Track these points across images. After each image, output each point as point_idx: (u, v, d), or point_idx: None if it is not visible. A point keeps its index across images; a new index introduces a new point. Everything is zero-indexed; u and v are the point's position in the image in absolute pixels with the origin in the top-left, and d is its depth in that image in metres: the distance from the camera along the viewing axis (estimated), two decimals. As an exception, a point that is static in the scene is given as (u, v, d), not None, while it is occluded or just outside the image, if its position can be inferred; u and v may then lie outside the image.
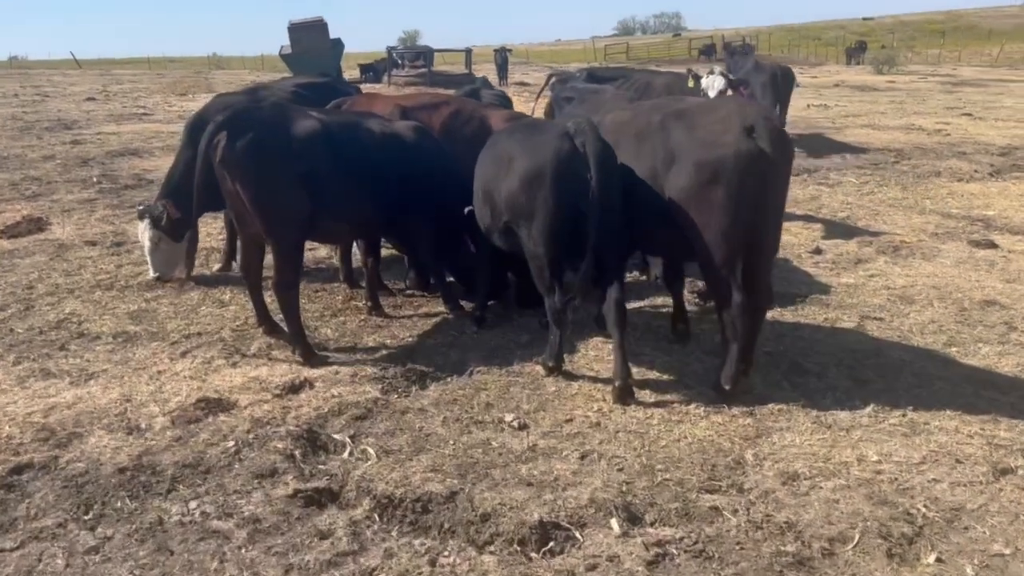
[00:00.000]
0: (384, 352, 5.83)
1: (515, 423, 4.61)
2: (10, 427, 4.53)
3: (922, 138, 17.23)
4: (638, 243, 5.48)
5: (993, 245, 8.84)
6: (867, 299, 6.98)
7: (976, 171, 13.44)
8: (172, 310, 6.74)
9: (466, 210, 5.85)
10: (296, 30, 36.80)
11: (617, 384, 4.85)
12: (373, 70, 38.38)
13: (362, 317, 6.58)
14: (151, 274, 7.46)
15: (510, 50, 37.11)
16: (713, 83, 9.85)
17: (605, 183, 4.70)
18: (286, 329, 5.76)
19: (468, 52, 34.65)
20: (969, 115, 21.55)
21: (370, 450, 4.31)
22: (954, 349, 5.83)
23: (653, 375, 5.35)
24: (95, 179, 12.33)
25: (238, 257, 8.00)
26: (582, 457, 4.22)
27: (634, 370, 5.35)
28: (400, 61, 38.58)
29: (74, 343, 5.98)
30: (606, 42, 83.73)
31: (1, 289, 7.24)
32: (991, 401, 4.90)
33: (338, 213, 5.74)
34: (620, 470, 4.07)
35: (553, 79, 11.49)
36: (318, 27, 37.08)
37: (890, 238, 9.20)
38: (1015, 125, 19.50)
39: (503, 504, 3.75)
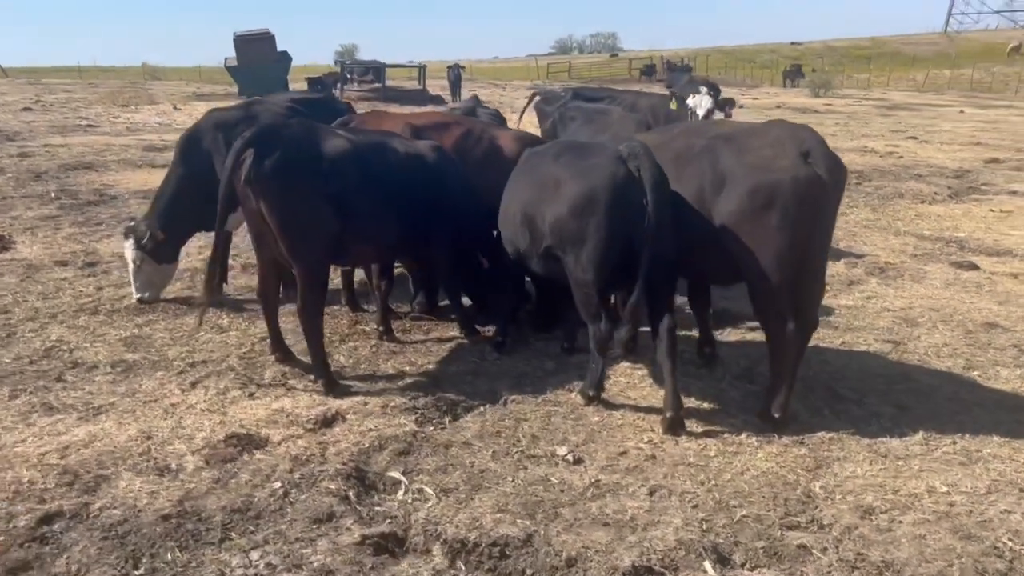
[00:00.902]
0: (407, 380, 5.59)
1: (569, 457, 4.44)
2: (27, 470, 4.16)
3: (877, 160, 17.69)
4: (680, 267, 5.38)
5: (975, 267, 9.02)
6: (873, 322, 7.02)
7: (936, 193, 13.82)
8: (168, 336, 6.38)
9: (495, 233, 5.69)
10: (242, 42, 36.13)
11: (668, 415, 4.72)
12: (322, 84, 37.74)
13: (372, 343, 6.33)
14: (134, 295, 7.08)
15: (463, 67, 36.98)
16: (700, 102, 9.89)
17: (661, 209, 4.58)
18: (308, 357, 5.47)
19: (422, 68, 34.36)
20: (915, 138, 22.25)
21: (427, 489, 4.08)
22: (975, 373, 5.87)
23: (692, 403, 5.24)
24: (53, 194, 11.74)
25: (228, 279, 7.73)
26: (651, 493, 4.06)
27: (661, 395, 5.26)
28: (350, 76, 38.08)
29: (70, 374, 5.58)
30: (548, 60, 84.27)
31: (-25, 314, 6.76)
32: (1032, 427, 4.93)
33: (365, 235, 5.50)
34: (695, 507, 3.93)
35: (537, 98, 11.43)
36: (265, 40, 36.48)
37: (874, 259, 9.33)
38: (959, 148, 20.19)
39: (587, 547, 3.57)
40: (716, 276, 5.37)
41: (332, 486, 4.04)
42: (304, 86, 38.36)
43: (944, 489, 4.14)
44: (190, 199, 7.05)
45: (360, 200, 5.31)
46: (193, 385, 5.44)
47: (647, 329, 5.11)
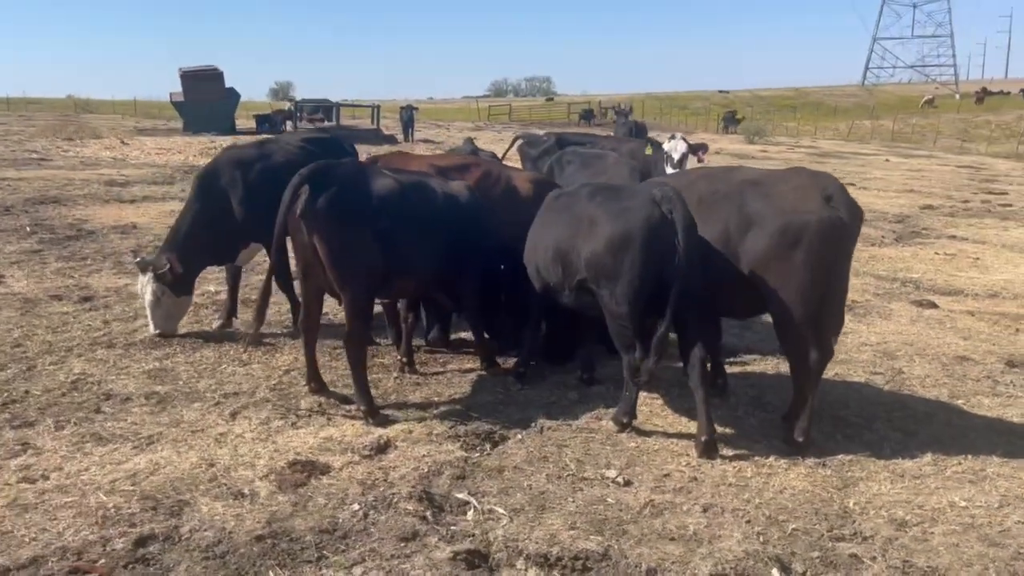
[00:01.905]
0: (440, 409, 5.82)
1: (620, 479, 4.73)
2: (105, 496, 4.25)
3: (823, 205, 18.60)
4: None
5: (934, 305, 9.68)
6: (855, 355, 7.52)
7: (883, 237, 14.69)
8: (192, 369, 6.47)
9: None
10: (189, 78, 35.89)
11: (704, 439, 5.06)
12: (270, 121, 37.71)
13: (395, 375, 6.54)
14: (151, 330, 7.14)
15: (416, 108, 37.43)
16: (676, 147, 10.48)
17: (690, 249, 4.97)
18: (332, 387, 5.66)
19: (376, 108, 34.66)
20: (853, 184, 23.40)
21: (498, 509, 4.31)
22: (960, 401, 6.39)
23: (716, 429, 5.58)
24: (28, 228, 11.61)
25: (239, 314, 7.84)
26: (704, 510, 4.38)
27: (695, 424, 5.62)
28: (299, 114, 38.12)
29: (106, 406, 5.65)
30: (488, 103, 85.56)
31: (-13, 347, 6.73)
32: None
33: (408, 269, 5.75)
34: (748, 522, 4.26)
35: (520, 142, 11.86)
36: (213, 76, 36.33)
37: (842, 298, 9.91)
38: (896, 195, 21.41)
39: (663, 559, 3.86)
40: (737, 310, 5.78)
41: (409, 507, 4.25)
42: (252, 124, 38.31)
43: (963, 504, 4.57)
44: (207, 233, 7.19)
45: (405, 236, 5.58)
46: (233, 416, 5.56)
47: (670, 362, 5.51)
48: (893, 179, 26.16)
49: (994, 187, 24.59)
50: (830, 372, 6.91)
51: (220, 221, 7.21)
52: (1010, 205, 19.78)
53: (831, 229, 4.96)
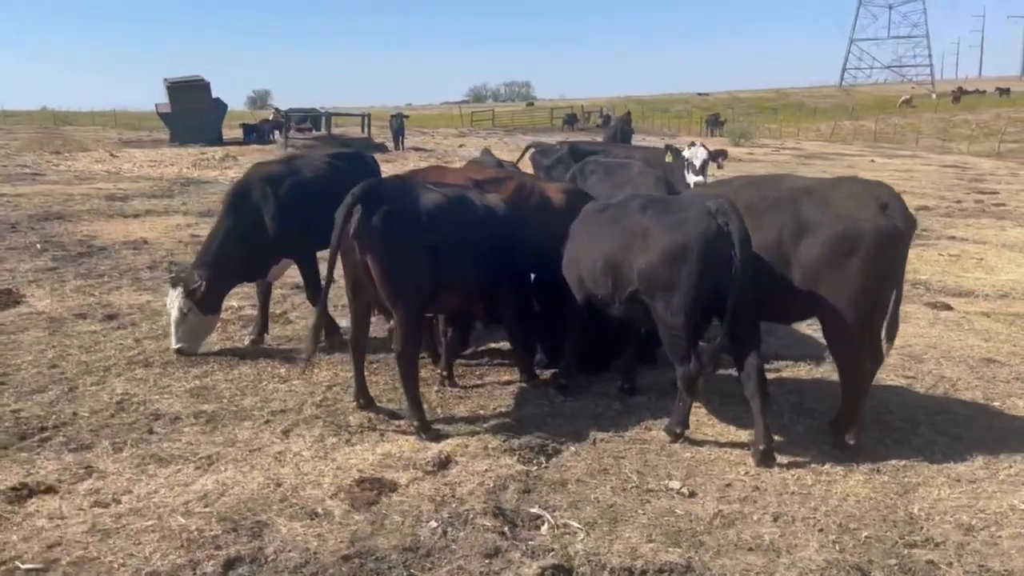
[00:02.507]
0: (490, 423, 5.84)
1: (684, 490, 4.77)
2: (184, 519, 4.24)
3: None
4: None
5: (949, 307, 9.82)
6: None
7: (885, 239, 14.83)
8: (233, 387, 6.46)
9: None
10: (176, 89, 35.70)
11: (761, 448, 5.12)
12: (257, 131, 37.58)
13: (436, 388, 6.56)
14: (173, 345, 7.11)
15: (407, 116, 37.39)
16: (696, 154, 10.57)
17: (746, 260, 5.04)
18: (405, 402, 5.68)
19: (366, 117, 34.63)
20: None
21: (573, 523, 4.35)
22: (996, 404, 6.49)
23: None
24: (39, 246, 11.52)
25: (270, 328, 7.83)
26: (774, 519, 4.44)
27: (744, 433, 5.69)
28: (287, 123, 37.97)
29: (157, 426, 5.63)
30: (472, 109, 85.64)
31: (23, 369, 6.69)
32: (1067, 450, 5.53)
33: (455, 282, 5.78)
34: (821, 531, 4.32)
35: (532, 151, 11.90)
36: (200, 87, 36.17)
37: (857, 302, 10.03)
38: (889, 196, 21.60)
39: (746, 570, 3.91)
40: (783, 316, 5.85)
41: (486, 523, 4.28)
42: (239, 133, 38.15)
43: (1023, 507, 4.66)
44: (238, 250, 7.19)
45: (453, 250, 5.61)
46: (286, 433, 5.56)
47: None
48: (884, 180, 26.37)
49: (984, 187, 24.95)
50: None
51: (252, 237, 7.21)
52: (1004, 204, 20.07)
53: (887, 237, 5.05)
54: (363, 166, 8.50)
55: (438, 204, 5.59)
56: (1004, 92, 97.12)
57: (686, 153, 10.47)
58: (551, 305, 6.74)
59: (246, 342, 7.61)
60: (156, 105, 38.76)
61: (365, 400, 6.01)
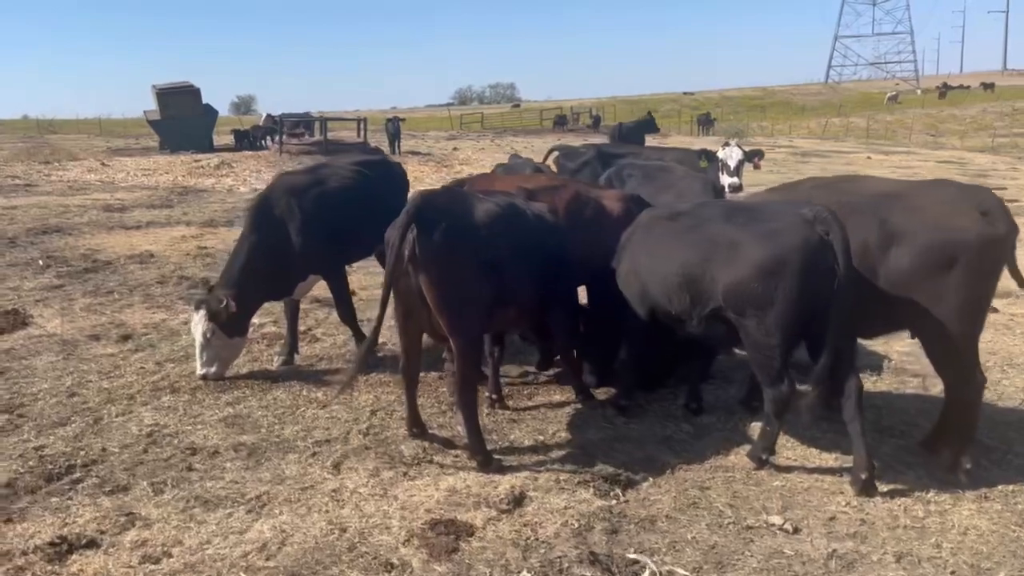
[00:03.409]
0: (554, 451, 5.42)
1: (788, 527, 4.37)
2: (244, 575, 3.80)
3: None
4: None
5: (994, 309, 9.46)
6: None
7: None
8: (269, 414, 6.02)
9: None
10: (165, 95, 35.02)
11: (863, 477, 4.71)
12: (248, 137, 36.97)
13: (486, 411, 6.13)
14: (198, 371, 6.64)
15: (403, 119, 36.85)
16: (731, 154, 10.20)
17: (849, 272, 4.63)
18: (463, 431, 5.24)
19: (362, 121, 34.05)
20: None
21: (678, 570, 3.93)
22: (1083, 415, 6.13)
23: (848, 459, 5.24)
24: (41, 262, 11.00)
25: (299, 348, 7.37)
26: (897, 560, 4.04)
27: (829, 456, 5.30)
28: (275, 129, 37.41)
29: (196, 462, 5.19)
30: (460, 112, 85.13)
31: (40, 399, 6.23)
32: None
33: (510, 300, 5.35)
34: (952, 573, 3.93)
35: (555, 153, 11.48)
36: (190, 93, 35.53)
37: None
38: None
39: (885, 621, 3.51)
40: (865, 330, 5.43)
41: (585, 573, 3.86)
42: (231, 139, 37.53)
43: None
44: (264, 267, 6.73)
45: (512, 266, 5.19)
46: (337, 467, 5.13)
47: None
48: (886, 176, 26.12)
49: (990, 183, 24.65)
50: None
51: (278, 253, 6.76)
52: (1016, 200, 19.78)
53: (989, 246, 4.65)
54: (390, 174, 8.09)
55: (497, 218, 5.14)
56: (988, 87, 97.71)
57: (720, 154, 10.10)
58: (603, 320, 6.34)
59: (275, 364, 7.15)
60: (145, 112, 38.01)
61: (418, 429, 5.58)
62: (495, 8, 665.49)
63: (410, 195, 5.47)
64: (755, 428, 5.78)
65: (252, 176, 23.63)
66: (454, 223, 4.93)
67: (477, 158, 30.37)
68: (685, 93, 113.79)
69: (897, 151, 45.03)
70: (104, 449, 5.35)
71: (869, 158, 37.96)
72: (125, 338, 7.87)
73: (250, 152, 32.61)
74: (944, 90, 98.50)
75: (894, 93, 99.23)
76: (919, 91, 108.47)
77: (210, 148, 35.01)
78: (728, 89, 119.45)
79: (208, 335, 6.53)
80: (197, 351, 6.66)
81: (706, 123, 58.80)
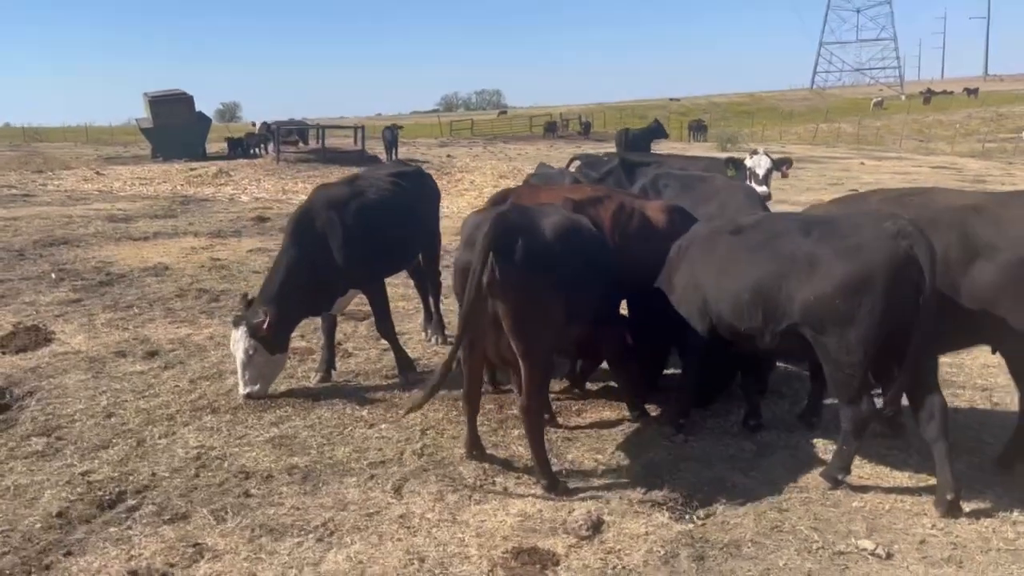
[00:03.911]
0: (618, 472, 5.27)
1: (880, 552, 4.23)
2: (334, 612, 3.62)
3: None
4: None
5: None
6: (992, 379, 7.13)
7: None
8: (318, 435, 5.83)
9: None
10: (157, 103, 34.70)
11: (949, 498, 4.58)
12: (242, 145, 36.67)
13: (538, 429, 5.96)
14: (241, 391, 6.45)
15: (400, 127, 36.61)
16: (759, 163, 10.10)
17: (935, 288, 4.50)
18: (531, 455, 5.06)
19: (360, 129, 33.75)
20: (856, 191, 23.37)
21: (779, 599, 3.79)
22: None
23: (920, 477, 5.12)
24: (53, 275, 10.74)
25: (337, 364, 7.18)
26: (1002, 586, 3.92)
27: (900, 474, 5.18)
28: (269, 137, 37.16)
29: (251, 486, 5.00)
30: (452, 119, 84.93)
31: (78, 421, 6.03)
32: None
33: (575, 317, 5.19)
34: (1059, 597, 3.81)
35: (577, 163, 11.34)
36: (183, 101, 35.23)
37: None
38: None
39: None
40: (945, 347, 5.32)
41: (685, 605, 3.70)
42: (225, 147, 37.24)
43: None
44: (305, 281, 6.55)
45: (581, 284, 5.03)
46: (398, 491, 4.97)
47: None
48: (889, 184, 26.21)
49: (989, 188, 24.77)
50: (985, 403, 6.57)
51: (318, 267, 6.58)
52: None
53: None
54: (424, 185, 7.93)
55: (571, 236, 4.96)
56: (972, 92, 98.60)
57: (748, 162, 10.00)
58: (646, 333, 6.21)
59: (313, 380, 6.97)
60: (136, 120, 37.70)
61: (477, 451, 5.41)
62: (480, 14, 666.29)
63: (480, 216, 5.24)
64: (819, 445, 5.68)
65: (252, 185, 23.40)
66: (534, 245, 4.75)
67: (476, 165, 30.24)
68: (672, 99, 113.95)
69: (888, 156, 45.23)
70: (154, 474, 5.15)
71: (863, 164, 38.10)
72: (152, 354, 7.66)
73: (245, 160, 32.32)
74: (928, 95, 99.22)
75: (879, 99, 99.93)
76: (903, 96, 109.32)
77: (203, 156, 34.71)
78: (715, 95, 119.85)
79: (251, 352, 6.35)
80: (239, 369, 6.47)
81: (698, 130, 58.92)
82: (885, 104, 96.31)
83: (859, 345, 4.61)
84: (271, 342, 6.40)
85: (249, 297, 6.68)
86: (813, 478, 5.11)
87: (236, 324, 6.43)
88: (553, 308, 4.82)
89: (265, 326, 6.18)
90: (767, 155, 10.05)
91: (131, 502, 4.76)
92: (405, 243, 7.32)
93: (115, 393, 6.60)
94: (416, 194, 7.56)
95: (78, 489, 4.92)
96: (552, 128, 65.79)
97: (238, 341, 6.38)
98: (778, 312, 4.93)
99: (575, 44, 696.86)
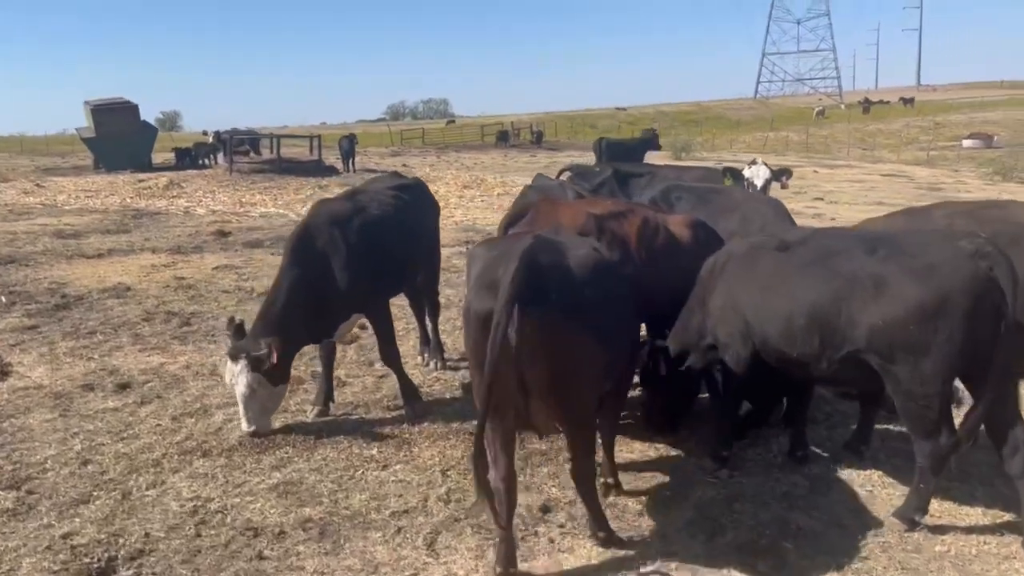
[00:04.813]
0: (670, 515, 4.79)
1: (985, 604, 3.82)
2: None
3: (817, 224, 18.36)
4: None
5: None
6: None
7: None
8: (326, 480, 5.24)
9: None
10: (101, 112, 33.31)
11: (1041, 539, 4.21)
12: (190, 155, 35.42)
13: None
14: (244, 428, 5.83)
15: (356, 138, 35.66)
16: (758, 173, 9.78)
17: (1017, 312, 4.13)
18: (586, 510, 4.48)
19: (316, 139, 32.74)
20: (821, 199, 23.46)
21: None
22: None
23: (995, 513, 4.75)
24: (3, 299, 9.86)
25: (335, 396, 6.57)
26: None
27: (973, 511, 4.80)
28: (218, 147, 35.99)
29: (262, 546, 4.40)
30: (401, 127, 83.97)
31: (50, 470, 5.34)
32: None
33: (619, 364, 4.62)
34: None
35: (567, 174, 10.87)
36: (127, 109, 33.90)
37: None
38: (870, 207, 21.37)
39: None
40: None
41: None
42: (172, 157, 35.99)
43: None
44: (306, 306, 5.96)
45: (619, 326, 4.44)
46: (431, 546, 4.42)
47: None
48: (849, 191, 26.44)
49: (947, 196, 25.04)
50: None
51: (321, 290, 5.99)
52: None
53: None
54: (427, 198, 7.39)
55: (603, 273, 4.28)
56: (908, 102, 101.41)
57: (747, 172, 9.67)
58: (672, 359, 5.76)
59: (310, 414, 6.34)
60: (77, 129, 36.16)
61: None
62: (427, 23, 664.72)
63: (497, 249, 4.38)
64: (874, 477, 5.28)
65: (207, 197, 22.42)
66: (570, 289, 3.97)
67: (436, 175, 29.56)
68: (619, 108, 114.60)
69: (838, 164, 45.82)
70: (147, 534, 4.50)
71: (816, 172, 38.36)
72: (123, 387, 6.95)
73: (195, 171, 31.16)
74: (867, 105, 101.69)
75: (821, 108, 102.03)
76: (843, 106, 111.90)
77: (149, 167, 33.41)
78: (662, 104, 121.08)
79: (254, 387, 5.73)
80: (241, 406, 5.84)
81: (603, 142, 58.88)
82: (827, 113, 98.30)
83: (935, 375, 4.21)
84: (274, 374, 5.80)
85: (237, 321, 6.04)
86: (884, 518, 4.69)
87: (234, 357, 5.77)
88: (595, 361, 4.12)
89: (274, 359, 5.58)
90: (766, 165, 9.73)
91: (125, 573, 4.11)
92: (409, 261, 6.75)
93: (89, 435, 5.90)
94: (419, 208, 7.02)
95: (61, 556, 4.26)
96: (504, 137, 65.42)
97: (239, 375, 5.74)
98: (837, 337, 4.50)
99: (522, 54, 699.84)
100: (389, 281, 6.50)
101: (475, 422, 3.75)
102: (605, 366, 4.21)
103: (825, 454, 5.61)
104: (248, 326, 6.00)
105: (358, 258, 6.06)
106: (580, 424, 4.16)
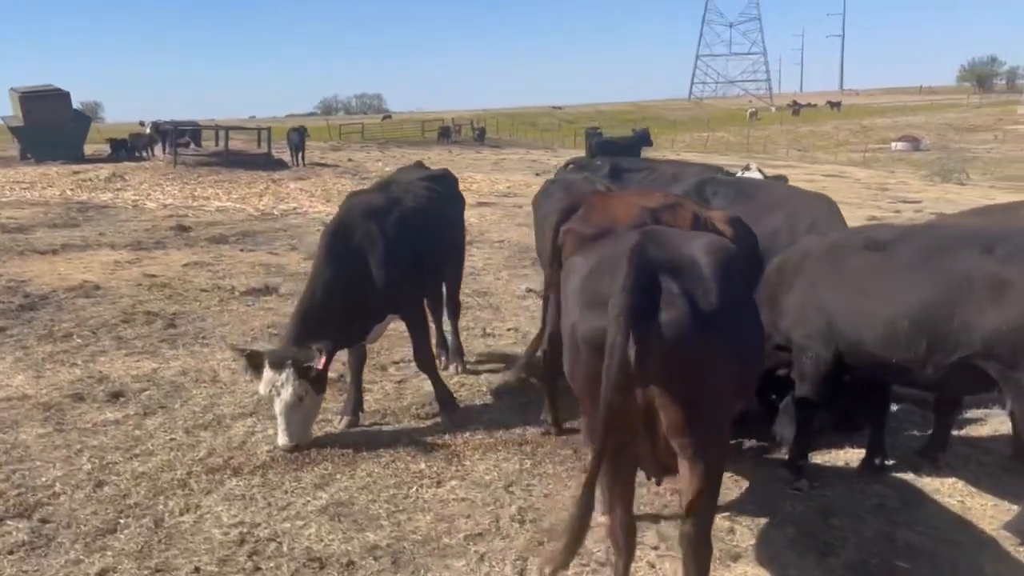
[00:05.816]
0: (766, 531, 4.45)
1: None
2: None
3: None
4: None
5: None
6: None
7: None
8: (377, 498, 4.77)
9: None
10: (29, 99, 31.51)
11: None
12: (126, 147, 33.82)
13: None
14: (283, 442, 5.28)
15: (307, 131, 34.56)
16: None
17: None
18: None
19: (266, 131, 31.53)
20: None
21: None
22: None
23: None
24: (-41, 298, 8.98)
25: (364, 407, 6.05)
26: None
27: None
28: (157, 138, 34.44)
29: (334, 580, 3.88)
30: (339, 122, 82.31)
31: (62, 494, 4.71)
32: None
33: (750, 384, 4.20)
34: None
35: (570, 167, 10.49)
36: (58, 97, 32.17)
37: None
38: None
39: None
40: None
41: None
42: (107, 148, 34.35)
43: None
44: (342, 306, 5.45)
45: (754, 335, 3.91)
46: (521, 574, 3.98)
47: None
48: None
49: (901, 195, 25.56)
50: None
51: (358, 289, 5.50)
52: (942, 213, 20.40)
53: None
54: (456, 191, 6.92)
55: (731, 269, 3.50)
56: (835, 105, 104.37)
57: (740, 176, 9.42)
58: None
59: (339, 425, 5.80)
60: (3, 118, 34.19)
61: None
62: (358, 18, 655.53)
63: (596, 258, 3.59)
64: (960, 486, 5.03)
65: (155, 190, 21.27)
66: (696, 297, 3.18)
67: (391, 171, 28.84)
68: (555, 107, 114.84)
69: (778, 165, 46.48)
70: (197, 570, 3.94)
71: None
72: (117, 396, 6.30)
73: (134, 163, 29.70)
74: (797, 108, 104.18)
75: (754, 110, 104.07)
76: (773, 108, 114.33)
77: (81, 158, 31.75)
78: (600, 103, 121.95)
79: (302, 396, 5.20)
80: (282, 418, 5.26)
81: (595, 137, 59.12)
82: (759, 115, 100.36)
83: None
84: (319, 381, 5.29)
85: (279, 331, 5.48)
86: (991, 531, 4.43)
87: (278, 365, 5.19)
88: (730, 380, 3.38)
89: (321, 365, 5.07)
90: (759, 170, 9.59)
91: (185, 617, 3.56)
92: (445, 257, 6.28)
93: (95, 452, 5.26)
94: (452, 200, 6.55)
95: (99, 600, 3.67)
96: (446, 133, 64.75)
97: (284, 384, 5.17)
98: (949, 342, 4.23)
99: (456, 50, 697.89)
100: (426, 279, 6.03)
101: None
102: (740, 384, 3.54)
103: (902, 463, 5.35)
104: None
105: (396, 253, 5.57)
106: (711, 459, 3.29)
